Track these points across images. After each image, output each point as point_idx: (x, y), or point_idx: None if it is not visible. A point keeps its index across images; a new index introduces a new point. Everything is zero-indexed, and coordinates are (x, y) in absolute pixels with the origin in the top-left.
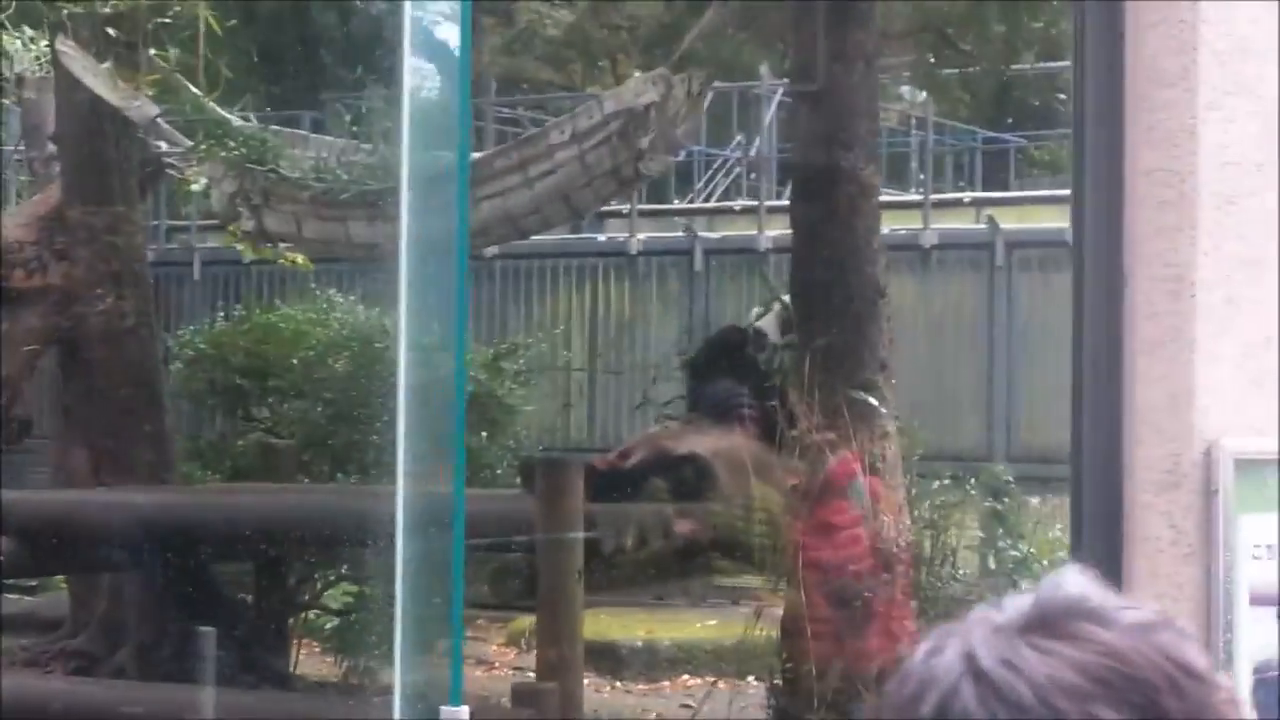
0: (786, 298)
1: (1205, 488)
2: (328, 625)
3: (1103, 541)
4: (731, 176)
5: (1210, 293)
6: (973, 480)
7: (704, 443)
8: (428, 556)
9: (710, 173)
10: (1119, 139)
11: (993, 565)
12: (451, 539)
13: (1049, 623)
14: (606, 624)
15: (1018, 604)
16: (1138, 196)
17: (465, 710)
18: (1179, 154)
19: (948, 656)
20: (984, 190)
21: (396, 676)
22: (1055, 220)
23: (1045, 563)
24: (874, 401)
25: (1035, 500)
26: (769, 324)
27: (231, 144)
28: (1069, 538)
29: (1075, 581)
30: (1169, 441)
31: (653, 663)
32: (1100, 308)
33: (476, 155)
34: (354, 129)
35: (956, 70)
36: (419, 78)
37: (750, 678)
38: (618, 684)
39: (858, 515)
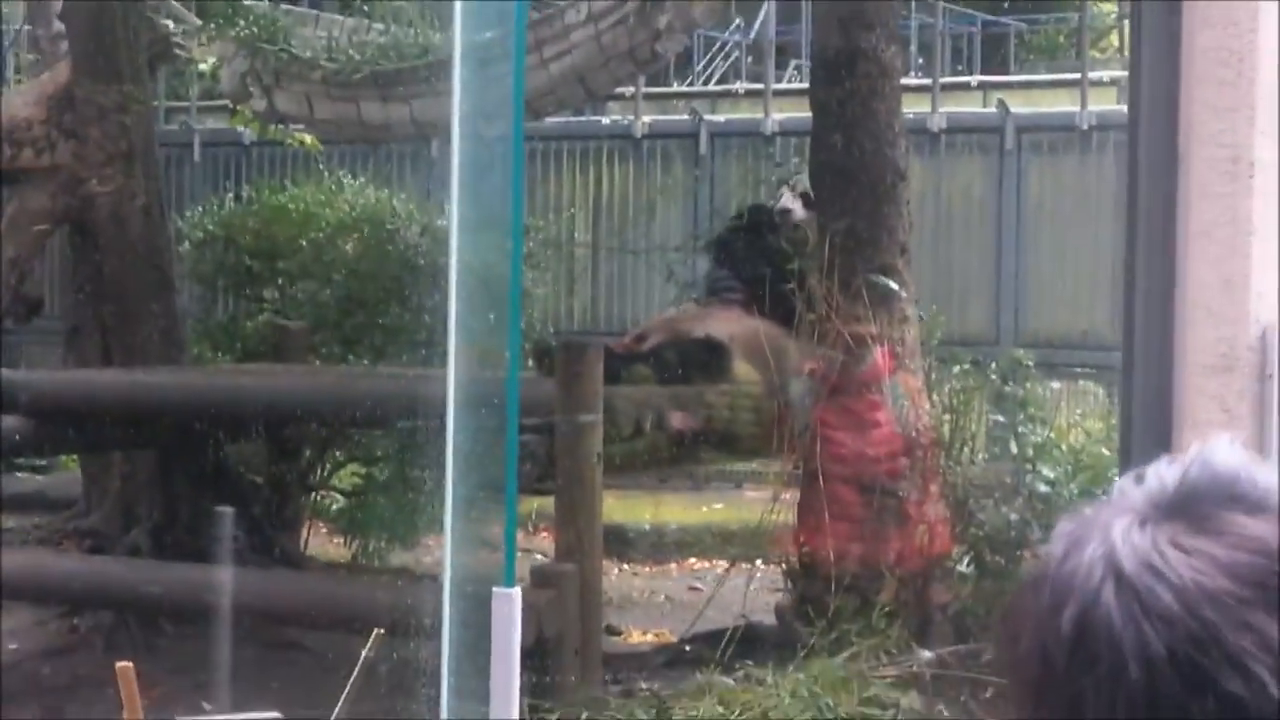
0: (805, 178)
1: (1260, 372)
2: (334, 507)
3: (1153, 425)
4: (730, 60)
5: (1268, 173)
6: (994, 364)
7: (721, 326)
8: (478, 436)
9: (709, 55)
10: (1177, 16)
11: (1013, 449)
12: (505, 421)
13: (1195, 510)
14: (612, 507)
15: (1162, 481)
16: (1195, 75)
17: (517, 591)
18: (1238, 32)
19: (1087, 557)
20: (984, 74)
21: (447, 558)
22: (1062, 104)
23: (1063, 447)
24: (894, 286)
25: (1056, 385)
26: (790, 200)
27: (241, 23)
28: (1093, 421)
29: (1225, 458)
30: (1223, 325)
31: (659, 545)
32: (1154, 188)
33: (488, 35)
34: (365, 7)
35: None
36: None
37: (758, 561)
38: (625, 566)
39: (889, 414)
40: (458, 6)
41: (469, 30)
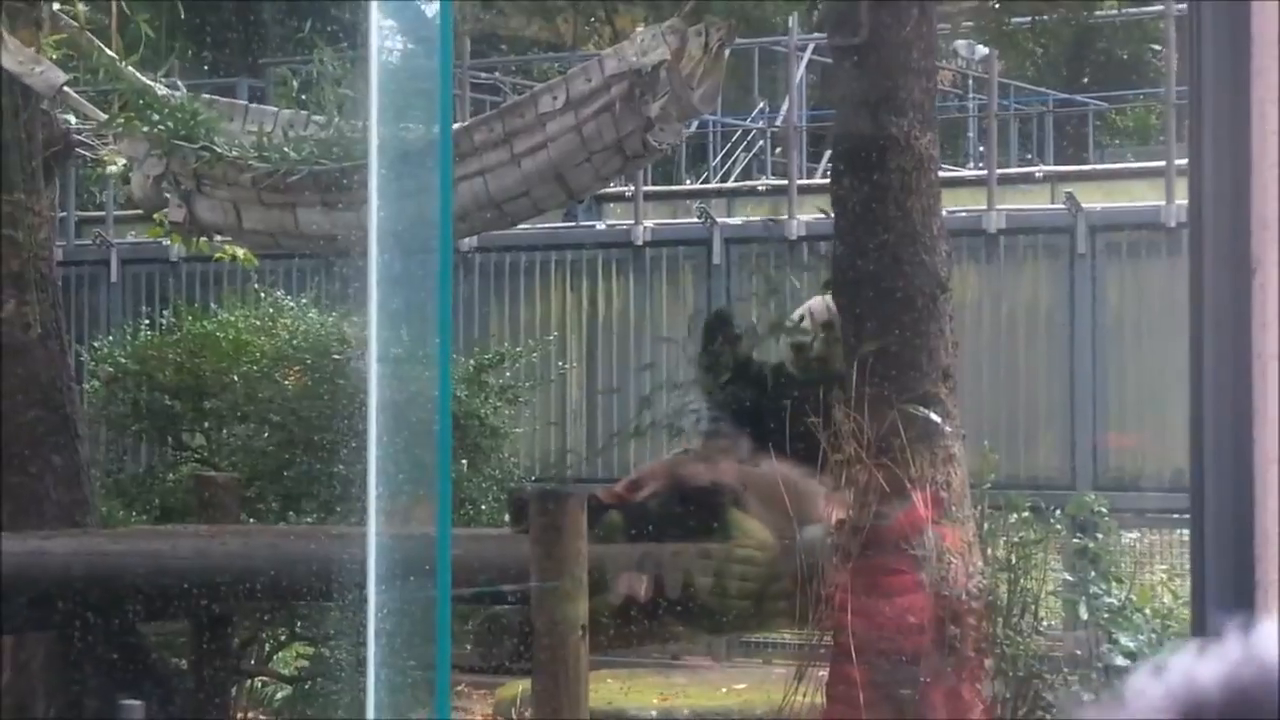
0: (828, 295)
1: None
2: (278, 695)
3: (1231, 585)
4: (753, 151)
5: None
6: (1057, 512)
7: (730, 470)
8: (405, 610)
9: (728, 146)
10: (1244, 92)
11: (1084, 615)
12: (435, 589)
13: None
14: (613, 690)
15: (1195, 683)
16: (1268, 164)
17: None
18: None
19: None
20: (1057, 164)
21: None
22: (1147, 197)
23: (1147, 611)
24: (936, 417)
25: (1132, 535)
26: (808, 322)
27: (155, 117)
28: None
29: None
30: None
31: None
32: (1224, 302)
33: (452, 128)
34: (302, 98)
35: (1025, 20)
36: (387, 36)
37: None
38: None
39: (920, 577)
40: (374, 98)
41: (389, 121)
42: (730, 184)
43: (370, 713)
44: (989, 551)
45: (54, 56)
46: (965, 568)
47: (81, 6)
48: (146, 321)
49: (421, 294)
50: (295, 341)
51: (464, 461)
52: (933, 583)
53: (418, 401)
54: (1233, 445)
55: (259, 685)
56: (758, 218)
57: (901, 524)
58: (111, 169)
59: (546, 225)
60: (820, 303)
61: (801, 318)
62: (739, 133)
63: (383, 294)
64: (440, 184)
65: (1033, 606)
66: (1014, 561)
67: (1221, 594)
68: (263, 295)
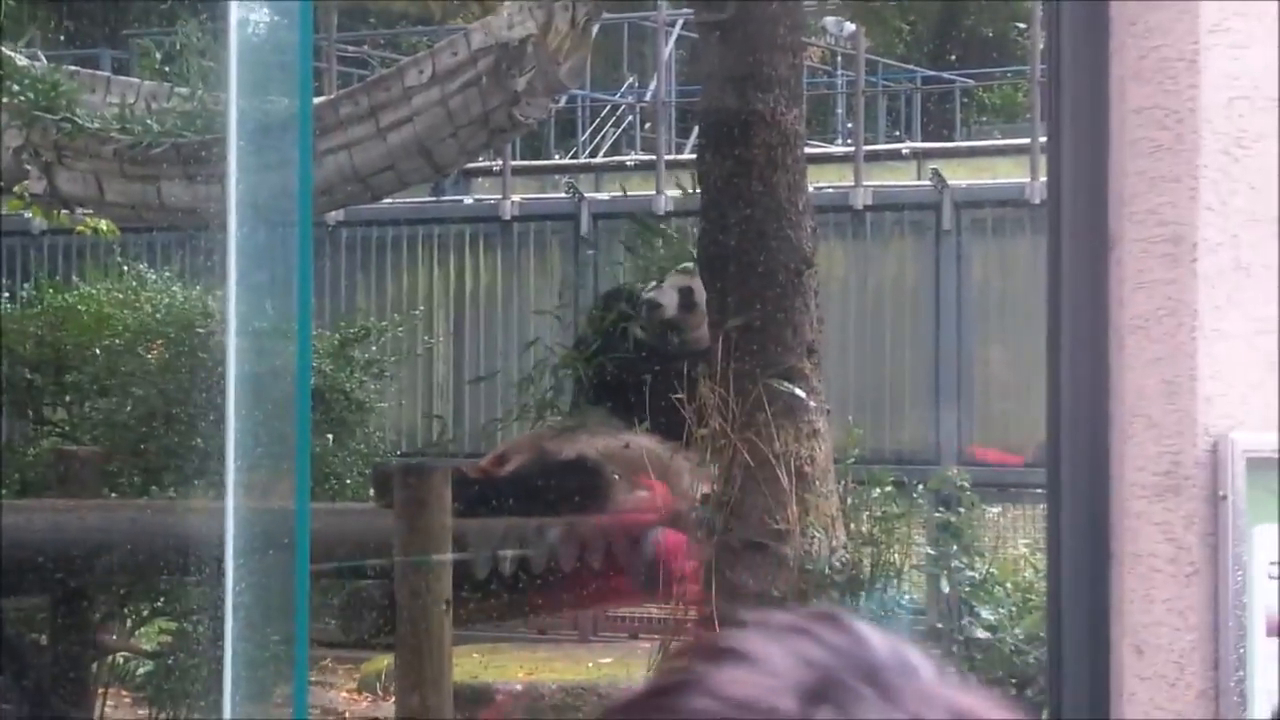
0: (691, 265)
1: (1211, 493)
2: (140, 670)
3: (1087, 558)
4: (622, 126)
5: (1215, 256)
6: (920, 486)
7: (595, 444)
8: (264, 585)
9: (597, 121)
10: (1103, 71)
11: (945, 588)
12: (294, 563)
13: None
14: (478, 664)
15: (776, 664)
16: (1126, 141)
17: None
18: (1176, 88)
19: None
20: (925, 140)
21: None
22: (1013, 174)
23: (1008, 585)
24: (800, 392)
25: (994, 510)
26: (664, 294)
27: (15, 87)
28: (1044, 554)
29: (861, 633)
30: (1166, 437)
31: (535, 709)
32: (1081, 277)
33: (316, 101)
34: (166, 69)
35: None
36: (247, 8)
37: None
38: None
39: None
40: (233, 70)
41: (249, 93)
42: (599, 159)
43: (227, 686)
44: (852, 526)
45: None
46: (829, 542)
47: None
48: (7, 294)
49: (284, 268)
50: (158, 315)
51: (329, 436)
52: (796, 557)
53: (279, 375)
54: (1089, 419)
55: (121, 661)
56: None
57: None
58: None
59: (413, 200)
60: (667, 293)
61: (651, 294)
62: (608, 108)
63: (243, 267)
64: (300, 156)
65: (896, 580)
66: (877, 535)
67: (1077, 566)
68: (125, 268)
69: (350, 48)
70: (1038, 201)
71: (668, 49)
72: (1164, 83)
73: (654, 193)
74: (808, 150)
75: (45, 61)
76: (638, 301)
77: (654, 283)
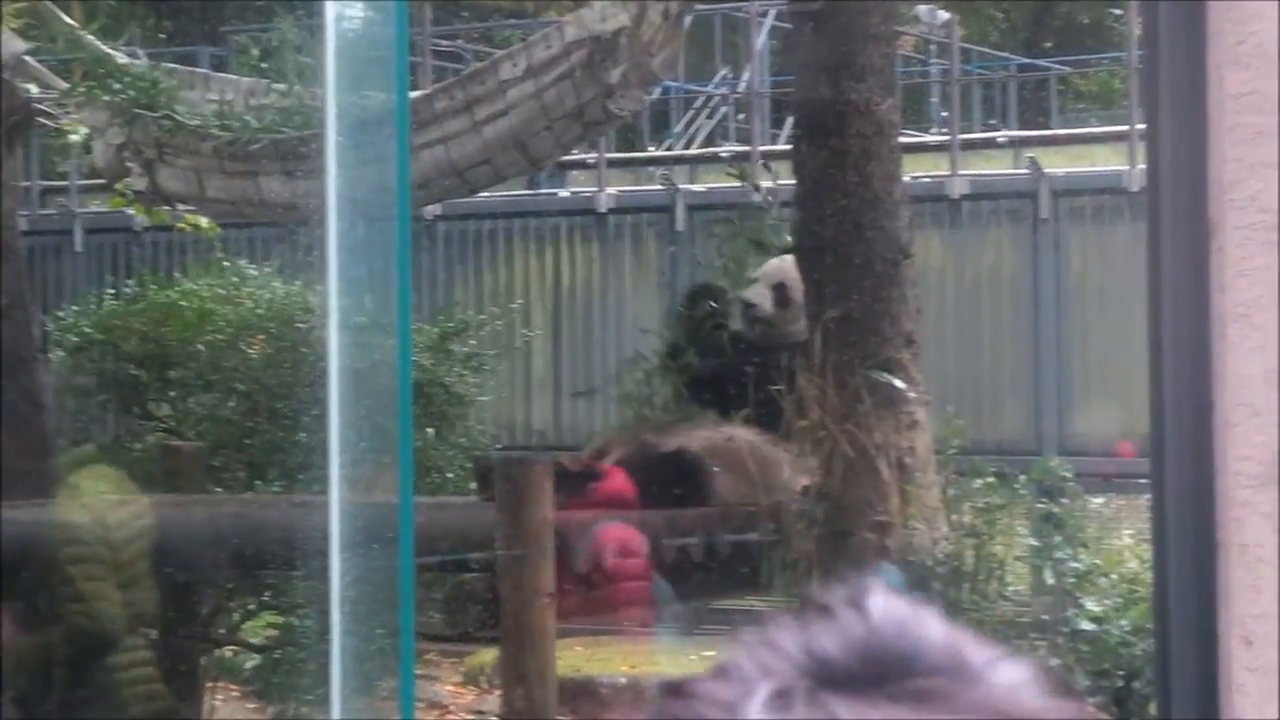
0: (789, 259)
1: None
2: (248, 664)
3: (1192, 549)
4: (716, 118)
5: None
6: (1022, 477)
7: (695, 437)
8: (369, 579)
9: (691, 114)
10: (1200, 57)
11: (1049, 580)
12: (399, 557)
13: (879, 678)
14: (582, 657)
15: (808, 645)
16: (1225, 127)
17: None
18: (1274, 72)
19: None
20: (1021, 128)
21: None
22: (1110, 161)
23: (1113, 576)
24: (899, 383)
25: (1098, 500)
26: (758, 293)
27: (116, 86)
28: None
29: (890, 611)
30: (1270, 426)
31: (640, 703)
32: (1182, 265)
33: (412, 95)
34: (263, 66)
35: None
36: (343, 4)
37: None
38: None
39: None
40: (330, 66)
41: (346, 88)
42: (693, 150)
43: (335, 680)
44: (954, 517)
45: (14, 25)
46: (931, 534)
47: None
48: (111, 291)
49: (383, 262)
50: (259, 311)
51: (430, 430)
52: (898, 549)
53: (380, 369)
54: (1192, 408)
55: (229, 655)
56: (720, 184)
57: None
58: (73, 138)
59: (510, 193)
60: (761, 290)
61: (746, 293)
62: (702, 99)
63: (343, 262)
64: (398, 151)
65: (998, 572)
66: (979, 527)
67: (1182, 557)
68: (226, 264)
69: (445, 42)
70: (1135, 189)
71: (761, 40)
72: (1262, 68)
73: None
74: (903, 140)
75: (145, 59)
76: (727, 300)
77: (749, 278)
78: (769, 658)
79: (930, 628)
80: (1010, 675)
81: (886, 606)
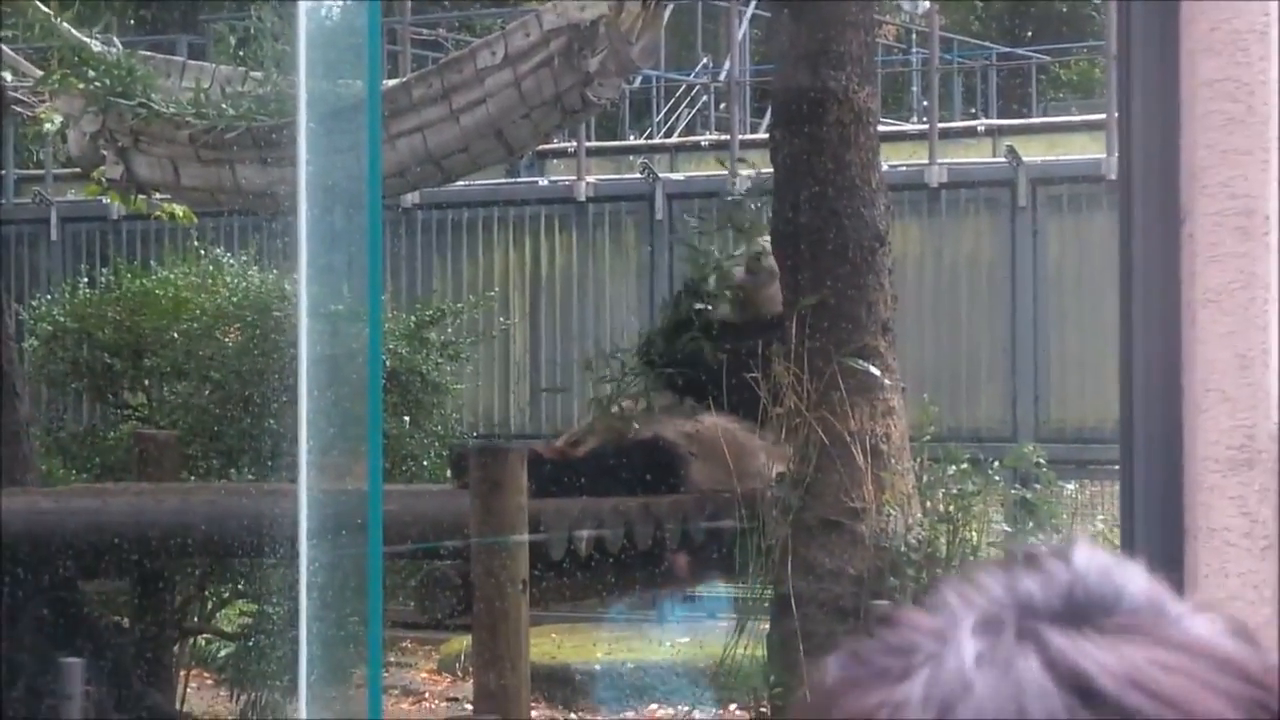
0: (766, 244)
1: None
2: (221, 652)
3: (1159, 533)
4: (696, 106)
5: None
6: (996, 463)
7: (671, 425)
8: (339, 565)
9: (672, 102)
10: (1173, 44)
11: None
12: (368, 544)
13: (1100, 617)
14: (556, 644)
15: (1021, 589)
16: (1197, 114)
17: None
18: (1247, 60)
19: (947, 672)
20: (1000, 117)
21: (302, 712)
22: (1089, 150)
23: None
24: (875, 370)
25: (1071, 486)
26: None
27: (91, 73)
28: (1118, 530)
29: (1094, 560)
30: (1239, 411)
31: (614, 689)
32: (1153, 251)
33: (390, 83)
34: (240, 54)
35: None
36: None
37: (734, 706)
38: (572, 715)
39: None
40: (302, 54)
41: (320, 76)
42: (673, 139)
43: (303, 666)
44: (928, 504)
45: None
46: (905, 519)
47: None
48: (86, 279)
49: (356, 250)
50: (235, 299)
51: (406, 417)
52: (872, 535)
53: (351, 357)
54: (1162, 393)
55: (203, 643)
56: (699, 173)
57: None
58: (48, 126)
59: (488, 181)
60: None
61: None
62: (682, 88)
63: (314, 249)
64: (369, 140)
65: (972, 558)
66: (953, 513)
67: (1151, 541)
68: (202, 253)
69: (425, 31)
70: (1114, 177)
71: (741, 28)
72: (1235, 55)
73: (728, 172)
74: (882, 128)
75: (120, 47)
76: (697, 292)
77: (731, 255)
78: (975, 595)
79: (1133, 576)
80: (1207, 621)
81: (1090, 555)
